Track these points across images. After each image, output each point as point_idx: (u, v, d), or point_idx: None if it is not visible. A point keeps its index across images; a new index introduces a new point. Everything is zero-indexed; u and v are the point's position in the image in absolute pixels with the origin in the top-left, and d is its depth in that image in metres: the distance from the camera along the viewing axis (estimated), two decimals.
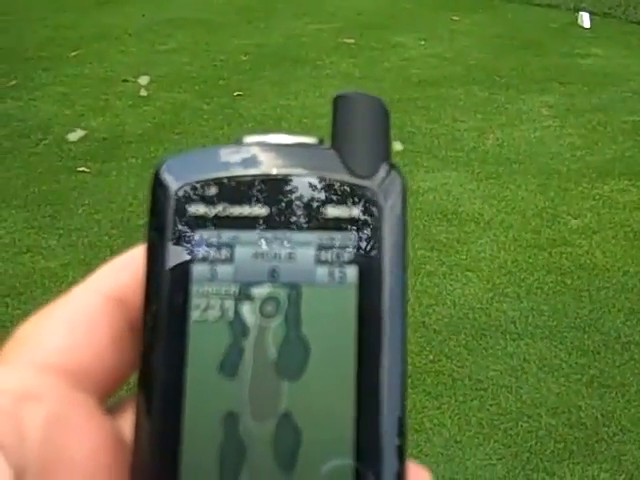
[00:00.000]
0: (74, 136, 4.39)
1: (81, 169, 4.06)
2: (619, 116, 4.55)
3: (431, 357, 2.69)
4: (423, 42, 5.86)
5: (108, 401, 0.32)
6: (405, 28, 6.17)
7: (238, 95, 4.94)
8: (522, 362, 2.69)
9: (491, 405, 2.52)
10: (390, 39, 5.93)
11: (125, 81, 5.16)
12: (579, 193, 3.75)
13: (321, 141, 0.34)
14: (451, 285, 3.09)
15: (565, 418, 2.46)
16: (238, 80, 5.18)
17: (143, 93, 4.96)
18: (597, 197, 3.71)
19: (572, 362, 2.68)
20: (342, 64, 5.39)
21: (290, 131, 0.33)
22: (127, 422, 0.32)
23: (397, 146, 4.08)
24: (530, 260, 3.26)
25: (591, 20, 6.25)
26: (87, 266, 3.29)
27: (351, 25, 6.26)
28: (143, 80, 5.09)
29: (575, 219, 3.54)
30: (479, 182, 3.89)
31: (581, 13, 6.33)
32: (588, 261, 3.24)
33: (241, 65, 5.46)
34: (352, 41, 5.90)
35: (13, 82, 5.14)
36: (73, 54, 5.66)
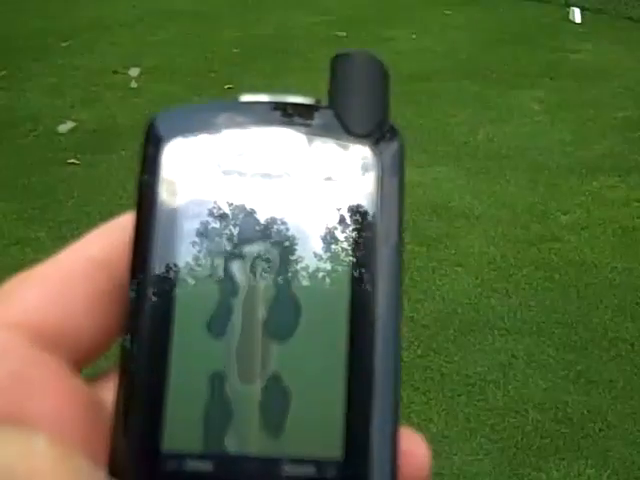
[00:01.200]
0: (64, 127, 4.37)
1: (71, 161, 4.05)
2: (609, 112, 4.56)
3: (419, 352, 2.70)
4: (414, 36, 5.86)
5: (90, 368, 0.32)
6: (397, 22, 6.17)
7: (229, 88, 4.93)
8: (510, 358, 2.70)
9: (478, 400, 2.53)
10: (382, 33, 5.93)
11: (115, 72, 5.14)
12: (568, 189, 3.77)
13: (318, 101, 0.33)
14: (440, 280, 3.10)
15: (552, 414, 2.47)
16: (229, 72, 5.17)
17: (133, 85, 4.94)
18: (586, 193, 3.73)
19: (559, 358, 2.69)
20: None
21: (287, 91, 0.33)
22: (108, 389, 0.31)
23: None
24: (519, 255, 3.27)
25: (582, 15, 6.26)
26: None
27: (343, 18, 6.26)
28: (133, 72, 5.08)
29: (564, 215, 3.55)
30: (469, 177, 3.89)
31: (572, 8, 6.33)
32: (577, 257, 3.25)
33: (232, 57, 5.45)
34: (344, 34, 5.89)
35: (3, 72, 5.12)
36: (63, 45, 5.63)
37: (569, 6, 6.40)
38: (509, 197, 3.71)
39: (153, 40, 5.78)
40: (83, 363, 0.31)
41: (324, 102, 0.33)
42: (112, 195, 3.72)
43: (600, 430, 2.41)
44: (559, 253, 3.28)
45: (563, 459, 2.31)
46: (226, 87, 4.93)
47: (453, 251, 3.29)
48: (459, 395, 2.55)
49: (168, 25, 6.08)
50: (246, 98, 0.33)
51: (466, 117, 4.54)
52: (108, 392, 0.31)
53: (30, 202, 3.70)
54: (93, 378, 0.32)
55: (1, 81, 5.00)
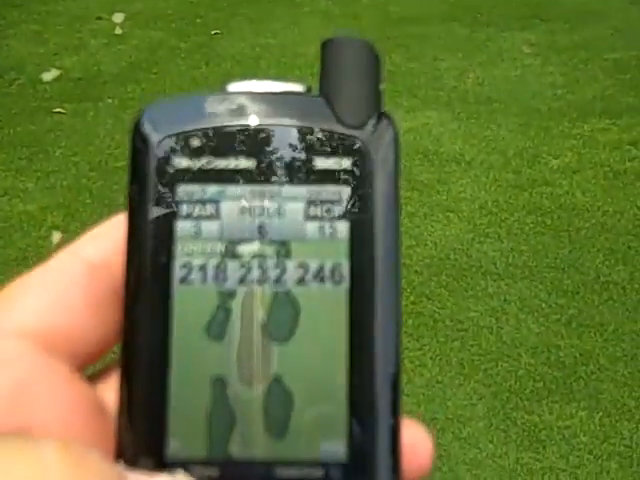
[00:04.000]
0: (48, 76, 4.30)
1: (57, 110, 4.00)
2: (600, 54, 4.52)
3: (412, 298, 2.71)
4: None
5: (91, 368, 0.31)
6: None
7: (215, 34, 4.85)
8: (502, 303, 2.71)
9: (472, 345, 2.55)
10: None
11: (99, 19, 5.04)
12: (560, 132, 3.75)
13: (309, 89, 0.32)
14: (432, 226, 3.10)
15: (544, 357, 2.49)
16: (215, 18, 5.09)
17: (118, 31, 4.86)
18: (578, 136, 3.71)
19: (552, 302, 2.71)
20: (321, 2, 5.30)
21: (275, 77, 0.32)
22: (110, 389, 0.31)
23: None
24: (510, 200, 3.26)
25: None
26: (66, 209, 3.26)
27: None
28: (118, 18, 4.98)
29: (555, 159, 3.54)
30: (460, 122, 3.87)
31: None
32: (568, 201, 3.25)
33: (218, 2, 5.35)
34: None
35: None
36: None
37: None
38: (500, 142, 3.69)
39: None
40: (86, 365, 0.31)
41: (315, 89, 0.32)
42: (100, 144, 3.68)
43: (592, 373, 2.43)
44: (550, 197, 3.27)
45: (556, 402, 2.34)
46: (212, 33, 4.86)
47: (444, 197, 3.28)
48: (452, 341, 2.57)
49: None
50: (234, 87, 0.32)
51: (456, 61, 4.49)
52: (111, 392, 0.31)
53: (17, 152, 3.66)
54: (94, 376, 0.31)
55: None
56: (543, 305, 2.70)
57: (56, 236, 3.12)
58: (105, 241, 0.31)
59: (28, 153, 3.65)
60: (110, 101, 4.07)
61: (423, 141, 3.68)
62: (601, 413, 2.30)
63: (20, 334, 0.30)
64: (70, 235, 3.12)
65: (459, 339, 2.57)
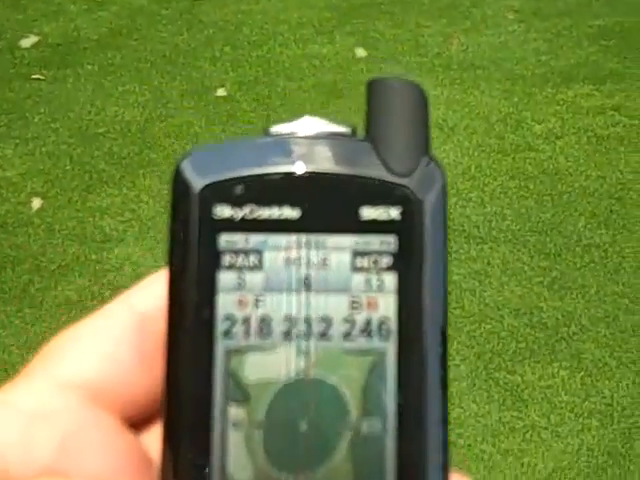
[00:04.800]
0: (27, 42, 4.24)
1: (36, 76, 3.95)
2: (585, 20, 4.51)
3: None
4: None
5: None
6: None
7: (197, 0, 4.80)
8: (485, 266, 2.71)
9: (455, 308, 2.55)
10: None
11: None
12: (543, 98, 3.74)
13: (354, 131, 0.31)
14: None
15: (527, 319, 2.50)
16: None
17: None
18: (561, 102, 3.70)
19: (534, 265, 2.71)
20: None
21: (317, 114, 0.31)
22: (153, 436, 0.30)
23: (360, 52, 4.01)
24: (494, 165, 3.26)
25: None
26: (46, 175, 3.23)
27: None
28: None
29: (539, 124, 3.54)
30: (443, 88, 3.85)
31: None
32: (551, 166, 3.25)
33: None
34: None
35: None
36: None
37: None
38: (483, 107, 3.68)
39: None
40: (134, 417, 0.31)
41: (360, 130, 0.31)
42: (80, 111, 3.63)
43: (574, 334, 2.44)
44: (534, 162, 3.27)
45: (538, 362, 2.35)
46: None
47: None
48: None
49: None
50: (277, 129, 0.31)
51: (440, 27, 4.46)
52: (154, 441, 0.31)
53: None
54: (137, 424, 0.31)
55: None
56: (526, 268, 2.70)
57: (36, 202, 3.09)
58: (156, 291, 0.31)
59: (6, 120, 3.61)
60: (90, 67, 4.03)
61: None
62: (582, 373, 2.32)
63: (67, 386, 0.29)
64: (50, 201, 3.10)
65: None
